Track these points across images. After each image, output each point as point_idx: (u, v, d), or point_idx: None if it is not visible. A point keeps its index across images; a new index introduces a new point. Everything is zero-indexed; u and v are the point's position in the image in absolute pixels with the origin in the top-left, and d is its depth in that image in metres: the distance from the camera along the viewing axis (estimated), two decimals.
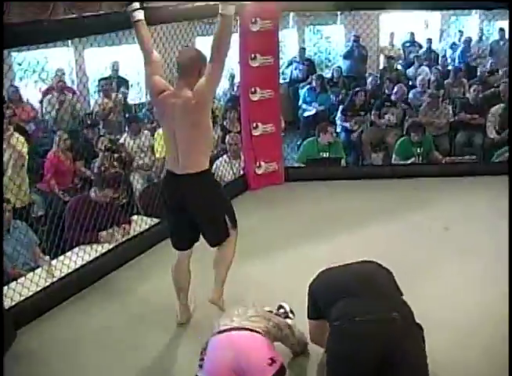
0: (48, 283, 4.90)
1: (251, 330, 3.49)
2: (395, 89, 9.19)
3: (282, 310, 4.16)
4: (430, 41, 12.51)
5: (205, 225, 4.35)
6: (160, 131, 6.80)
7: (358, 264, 3.77)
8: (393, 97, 9.11)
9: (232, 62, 7.54)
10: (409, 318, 3.37)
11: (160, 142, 7.15)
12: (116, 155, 7.00)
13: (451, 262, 5.37)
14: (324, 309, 3.55)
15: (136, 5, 4.52)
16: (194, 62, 4.12)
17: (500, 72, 10.67)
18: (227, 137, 7.50)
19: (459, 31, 13.03)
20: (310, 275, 4.20)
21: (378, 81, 10.16)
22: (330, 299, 3.50)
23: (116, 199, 5.90)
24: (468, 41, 12.41)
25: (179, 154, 4.15)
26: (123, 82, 9.82)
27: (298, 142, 8.93)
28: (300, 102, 10.22)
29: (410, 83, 10.28)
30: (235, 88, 9.44)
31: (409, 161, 7.97)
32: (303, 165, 7.89)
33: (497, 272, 5.20)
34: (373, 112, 8.97)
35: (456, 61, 12.04)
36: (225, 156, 7.36)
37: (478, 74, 10.59)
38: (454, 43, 12.73)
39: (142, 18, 4.47)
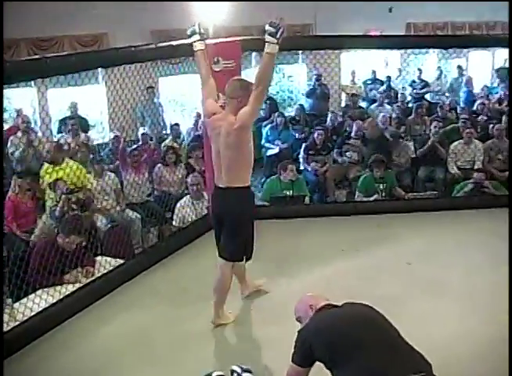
0: (10, 327, 4.80)
1: None
2: (354, 127, 9.27)
3: (235, 374, 4.21)
4: (389, 78, 12.75)
5: (223, 234, 4.90)
6: None
7: (350, 306, 3.65)
8: (353, 134, 9.19)
9: (197, 102, 7.58)
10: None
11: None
12: (74, 198, 6.97)
13: (415, 297, 5.41)
14: (332, 362, 3.35)
15: (197, 36, 5.06)
16: (235, 91, 4.69)
17: (459, 109, 10.90)
18: (188, 178, 7.51)
19: (418, 69, 13.29)
20: (273, 315, 4.22)
21: (340, 119, 10.29)
22: (339, 351, 3.32)
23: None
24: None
25: (223, 170, 4.74)
26: (83, 122, 9.79)
27: (262, 181, 8.96)
28: (263, 141, 10.28)
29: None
30: (199, 128, 9.48)
31: (372, 198, 8.04)
32: (267, 204, 7.89)
33: (462, 308, 5.28)
34: (335, 150, 9.07)
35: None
36: (188, 196, 7.36)
37: (438, 110, 10.78)
38: (413, 81, 12.98)
39: (203, 48, 4.95)
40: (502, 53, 14.51)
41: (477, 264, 6.16)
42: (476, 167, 8.59)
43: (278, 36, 4.42)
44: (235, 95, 4.69)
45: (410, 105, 11.41)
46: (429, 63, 14.25)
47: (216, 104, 4.94)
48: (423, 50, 12.56)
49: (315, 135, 9.12)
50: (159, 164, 8.21)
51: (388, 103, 11.51)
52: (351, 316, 3.53)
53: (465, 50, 12.29)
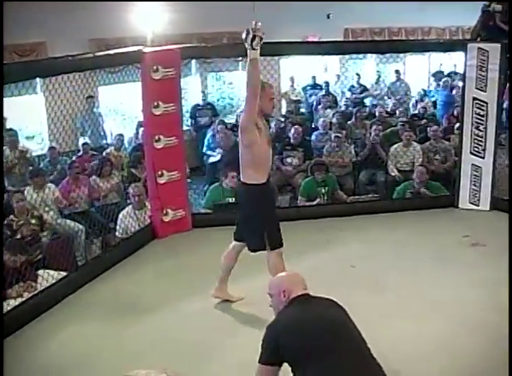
0: None
1: None
2: (292, 132, 9.30)
3: None
4: (327, 84, 12.88)
5: (243, 229, 5.33)
6: None
7: (320, 303, 3.56)
8: (292, 140, 9.24)
9: (138, 111, 7.55)
10: None
11: None
12: (35, 213, 6.87)
13: (359, 299, 5.47)
14: (298, 364, 3.25)
15: (247, 46, 4.88)
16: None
17: (398, 112, 11.08)
18: (130, 188, 7.46)
19: (357, 74, 13.46)
20: (220, 322, 4.22)
21: (282, 125, 10.35)
22: (307, 354, 3.24)
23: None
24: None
25: (240, 167, 5.13)
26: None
27: (205, 188, 8.95)
28: (204, 148, 10.27)
29: (313, 125, 10.52)
30: (139, 137, 9.42)
31: (314, 202, 8.11)
32: (210, 211, 7.89)
33: (405, 307, 5.38)
34: (276, 156, 9.11)
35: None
36: (130, 206, 7.31)
37: (377, 114, 10.93)
38: (352, 86, 13.14)
39: (258, 57, 4.85)
40: (437, 58, 14.81)
41: (419, 264, 6.29)
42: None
43: (249, 41, 4.66)
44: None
45: (350, 109, 11.54)
46: (367, 68, 14.45)
47: None
48: (361, 55, 12.75)
49: None
50: (93, 176, 8.13)
51: (329, 108, 11.63)
52: (323, 318, 3.41)
53: (402, 55, 12.47)
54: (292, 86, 13.27)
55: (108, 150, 9.25)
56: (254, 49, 4.72)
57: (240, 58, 11.21)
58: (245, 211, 5.27)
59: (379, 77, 13.83)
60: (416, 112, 11.44)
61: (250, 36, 4.69)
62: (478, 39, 8.00)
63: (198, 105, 11.66)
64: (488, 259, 6.40)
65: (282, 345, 3.28)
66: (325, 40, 10.64)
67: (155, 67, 6.78)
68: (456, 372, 4.47)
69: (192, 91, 12.31)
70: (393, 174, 8.82)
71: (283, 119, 11.16)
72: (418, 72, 15.34)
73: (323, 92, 12.62)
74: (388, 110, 11.56)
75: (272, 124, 10.31)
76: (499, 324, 5.04)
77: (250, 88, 4.81)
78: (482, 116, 7.71)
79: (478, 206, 7.93)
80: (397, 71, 13.68)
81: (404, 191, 8.29)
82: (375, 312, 5.28)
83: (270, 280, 3.71)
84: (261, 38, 4.75)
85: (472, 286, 5.82)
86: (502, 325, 4.93)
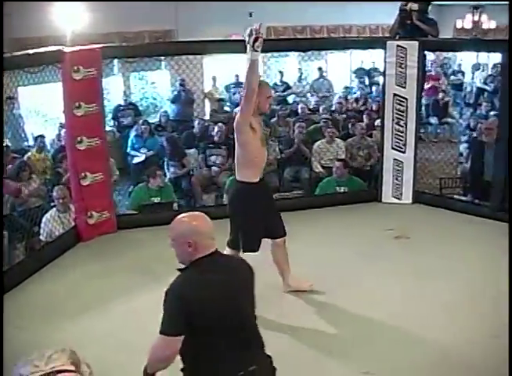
0: None
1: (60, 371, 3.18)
2: (215, 130, 9.32)
3: None
4: None
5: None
6: None
7: (229, 263, 3.29)
8: (216, 138, 9.24)
9: (59, 112, 7.41)
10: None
11: None
12: None
13: (280, 296, 5.54)
14: (198, 331, 2.95)
15: (248, 47, 4.90)
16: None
17: (321, 109, 11.19)
18: (54, 191, 7.31)
19: (280, 72, 13.53)
20: (149, 322, 4.16)
21: (206, 124, 10.33)
22: (207, 324, 2.96)
23: None
24: None
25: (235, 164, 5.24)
26: None
27: (130, 189, 8.86)
28: (128, 148, 10.17)
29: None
30: (62, 139, 9.24)
31: None
32: (135, 212, 7.82)
33: (331, 301, 5.46)
34: (200, 155, 9.10)
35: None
36: (54, 209, 7.17)
37: (300, 112, 11.02)
38: (275, 83, 13.20)
39: (258, 58, 4.91)
40: (358, 55, 15.04)
41: (343, 258, 6.39)
42: None
43: (251, 42, 4.69)
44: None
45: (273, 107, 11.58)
46: (290, 66, 14.56)
47: None
48: (284, 53, 12.82)
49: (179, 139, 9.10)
50: (7, 180, 7.91)
51: None
52: (233, 284, 3.09)
53: (324, 52, 12.62)
54: (214, 85, 13.26)
55: (29, 154, 9.03)
56: (256, 51, 4.75)
57: (162, 57, 11.19)
58: (231, 207, 5.34)
59: (301, 74, 13.94)
60: (335, 108, 11.56)
61: (253, 37, 4.70)
62: (397, 37, 8.20)
63: (120, 105, 11.51)
64: (411, 251, 6.56)
65: (195, 313, 2.93)
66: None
67: (76, 67, 6.67)
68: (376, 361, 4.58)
69: (114, 91, 12.17)
70: (317, 170, 8.93)
71: (207, 118, 11.17)
72: (340, 69, 15.54)
73: None
74: (311, 107, 11.67)
75: (195, 124, 10.30)
76: (421, 314, 5.20)
77: (248, 89, 4.86)
78: (402, 111, 7.88)
79: (401, 200, 8.10)
80: (319, 68, 13.83)
81: (327, 187, 8.38)
82: (302, 308, 5.37)
83: (173, 222, 3.15)
84: (264, 40, 4.80)
85: (396, 277, 5.96)
86: (425, 315, 5.11)
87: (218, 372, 3.02)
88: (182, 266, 3.10)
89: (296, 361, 4.49)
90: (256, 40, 4.71)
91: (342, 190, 8.31)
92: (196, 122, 10.31)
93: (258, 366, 3.08)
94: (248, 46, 4.76)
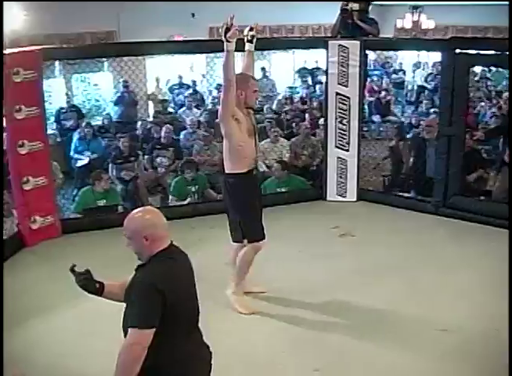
0: None
1: None
2: (163, 131, 9.26)
3: None
4: (194, 83, 12.89)
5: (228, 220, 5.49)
6: None
7: (183, 257, 3.26)
8: (162, 140, 9.19)
9: None
10: None
11: None
12: None
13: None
14: (166, 322, 2.93)
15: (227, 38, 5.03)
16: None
17: (264, 109, 11.21)
18: None
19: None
20: (93, 327, 4.13)
21: (148, 126, 10.26)
22: (176, 313, 2.97)
23: None
24: None
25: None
26: None
27: (74, 193, 8.74)
28: (71, 151, 10.02)
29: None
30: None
31: (185, 201, 8.10)
32: (80, 216, 7.73)
33: (276, 299, 5.51)
34: (145, 156, 9.04)
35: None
36: None
37: None
38: (219, 84, 13.16)
39: (233, 49, 4.93)
40: (301, 55, 15.12)
41: (289, 257, 6.42)
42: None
43: (223, 33, 4.80)
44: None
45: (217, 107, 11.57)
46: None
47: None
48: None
49: (120, 142, 8.99)
50: None
51: (196, 107, 11.63)
52: (190, 278, 3.20)
53: (266, 52, 12.66)
54: (158, 86, 13.18)
55: None
56: (228, 41, 4.82)
57: (104, 58, 11.07)
58: (225, 202, 5.42)
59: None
60: (277, 108, 11.59)
61: (224, 27, 4.81)
62: (338, 36, 8.27)
63: (62, 108, 11.35)
64: (357, 249, 6.64)
65: (169, 304, 2.92)
66: (190, 39, 10.65)
67: (15, 70, 6.56)
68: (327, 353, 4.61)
69: (56, 93, 11.98)
70: (261, 170, 8.92)
71: (150, 119, 11.10)
72: (283, 69, 15.61)
73: (190, 91, 12.60)
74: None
75: (138, 125, 10.22)
76: (368, 308, 5.29)
77: (225, 80, 4.93)
78: (345, 110, 7.97)
79: (345, 197, 8.19)
80: (263, 68, 13.86)
81: (269, 187, 8.42)
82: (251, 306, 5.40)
83: (126, 221, 3.12)
84: (240, 31, 5.01)
85: (342, 275, 6.02)
86: (374, 308, 5.22)
87: (181, 356, 3.01)
88: (141, 263, 3.12)
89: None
90: (228, 30, 4.80)
91: (283, 190, 8.36)
92: (138, 124, 10.23)
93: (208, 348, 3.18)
94: (222, 37, 4.84)
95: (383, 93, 13.45)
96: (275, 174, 8.34)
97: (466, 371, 4.50)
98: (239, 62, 5.40)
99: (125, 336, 2.95)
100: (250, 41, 5.59)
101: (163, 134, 9.17)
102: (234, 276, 5.51)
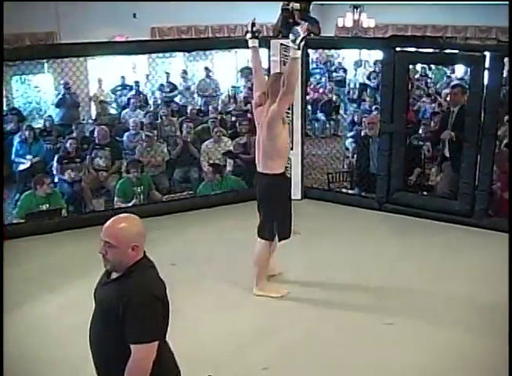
0: None
1: None
2: (96, 132, 9.10)
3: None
4: (137, 83, 12.78)
5: (260, 215, 5.65)
6: None
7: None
8: (98, 140, 9.00)
9: None
10: None
11: None
12: None
13: (180, 295, 5.51)
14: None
15: (249, 35, 5.73)
16: (276, 85, 5.31)
17: (210, 108, 11.15)
18: None
19: (166, 73, 13.44)
20: (44, 335, 4.09)
21: (90, 128, 10.13)
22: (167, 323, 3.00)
23: None
24: None
25: (260, 157, 5.44)
26: None
27: (16, 197, 8.57)
28: (13, 155, 9.83)
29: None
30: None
31: (131, 203, 8.03)
32: (22, 221, 7.58)
33: (227, 299, 5.53)
34: (87, 158, 8.91)
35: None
36: None
37: (189, 111, 10.99)
38: (162, 85, 13.12)
39: (257, 45, 5.63)
40: (244, 54, 15.13)
41: (236, 257, 6.45)
42: (228, 163, 8.89)
43: (298, 42, 5.05)
44: (275, 89, 5.28)
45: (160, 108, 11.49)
46: (176, 66, 14.48)
47: (263, 97, 5.50)
48: (169, 54, 12.76)
49: (68, 143, 8.84)
50: None
51: (140, 108, 11.54)
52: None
53: (209, 52, 12.67)
54: (100, 88, 13.04)
55: None
56: (299, 49, 5.10)
57: (45, 60, 10.90)
58: (265, 200, 5.56)
59: (187, 74, 13.90)
60: (221, 108, 11.57)
61: (301, 37, 5.06)
62: (280, 36, 8.30)
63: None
64: (303, 247, 6.68)
65: (166, 313, 2.97)
66: (132, 39, 10.58)
67: None
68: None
69: None
70: (205, 170, 8.91)
71: (91, 121, 10.98)
72: (226, 69, 15.60)
73: (133, 92, 12.50)
74: (198, 107, 11.67)
75: (80, 127, 10.06)
76: (317, 305, 5.34)
77: (291, 85, 5.16)
78: (289, 109, 7.98)
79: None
80: (206, 68, 13.84)
81: (205, 190, 8.43)
82: (199, 307, 5.39)
83: (113, 227, 2.99)
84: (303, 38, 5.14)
85: (289, 273, 6.06)
86: (324, 305, 5.34)
87: (167, 362, 3.02)
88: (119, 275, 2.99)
89: None
90: (302, 40, 5.08)
91: (218, 192, 8.35)
92: (77, 126, 10.05)
93: None
94: (293, 44, 5.09)
95: (326, 91, 13.60)
96: (208, 177, 8.33)
97: (401, 361, 4.57)
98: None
99: (98, 351, 2.95)
100: (256, 37, 5.83)
101: (96, 134, 9.02)
102: (256, 276, 5.71)
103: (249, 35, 5.83)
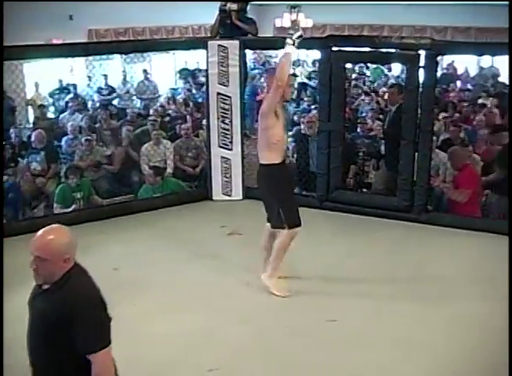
0: None
1: None
2: (32, 136, 8.87)
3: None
4: (75, 86, 12.61)
5: (265, 207, 5.76)
6: None
7: None
8: (34, 144, 8.78)
9: None
10: None
11: None
12: None
13: (126, 299, 5.49)
14: None
15: (290, 41, 5.52)
16: (270, 81, 5.52)
17: (151, 111, 11.06)
18: None
19: (104, 75, 13.29)
20: None
21: (28, 133, 9.93)
22: None
23: None
24: None
25: (258, 147, 5.65)
26: None
27: None
28: None
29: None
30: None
31: (70, 208, 7.91)
32: None
33: (172, 302, 5.53)
34: (24, 161, 8.73)
35: None
36: None
37: (129, 114, 10.92)
38: (100, 87, 12.98)
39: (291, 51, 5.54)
40: (182, 55, 15.08)
41: (180, 260, 6.43)
42: (168, 165, 8.85)
43: (295, 38, 5.41)
44: (271, 82, 5.49)
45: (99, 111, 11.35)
46: (114, 68, 14.34)
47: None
48: (106, 56, 12.64)
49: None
50: None
51: (78, 111, 11.38)
52: None
53: (147, 54, 12.57)
54: (37, 91, 12.82)
55: None
56: (294, 45, 5.44)
57: None
58: (263, 190, 5.72)
59: (125, 77, 13.79)
60: (156, 110, 11.45)
61: (299, 34, 5.43)
62: (218, 37, 8.32)
63: None
64: (245, 247, 6.69)
65: (109, 318, 2.94)
66: (69, 42, 10.44)
67: None
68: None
69: None
70: (145, 173, 8.84)
71: (30, 126, 10.79)
72: (165, 70, 15.52)
73: (71, 95, 12.32)
74: (137, 110, 11.58)
75: (13, 134, 9.84)
76: (261, 304, 5.38)
77: (280, 80, 5.37)
78: (227, 110, 8.03)
79: (231, 196, 8.25)
80: (144, 70, 13.76)
81: (145, 194, 8.37)
82: (142, 311, 5.36)
83: (42, 241, 2.93)
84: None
85: (231, 273, 6.08)
86: (266, 304, 5.45)
87: None
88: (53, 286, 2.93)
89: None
90: (299, 37, 5.43)
91: (159, 195, 8.30)
92: (13, 132, 9.83)
93: None
94: (289, 40, 5.43)
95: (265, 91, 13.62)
96: (149, 180, 8.29)
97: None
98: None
99: (37, 359, 2.92)
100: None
101: (33, 138, 8.83)
102: (271, 262, 5.72)
103: (290, 42, 5.61)
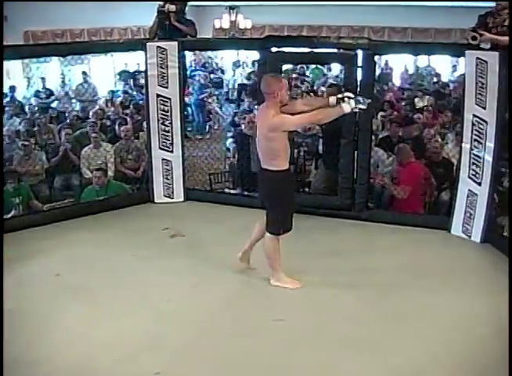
0: None
1: None
2: None
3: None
4: (13, 89, 12.41)
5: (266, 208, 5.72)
6: None
7: None
8: None
9: None
10: None
11: None
12: None
13: (68, 305, 5.44)
14: None
15: (352, 105, 5.39)
16: (270, 87, 5.42)
17: (91, 113, 10.94)
18: None
19: (41, 78, 13.09)
20: None
21: None
22: None
23: None
24: None
25: (261, 155, 5.55)
26: None
27: None
28: None
29: None
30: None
31: (10, 214, 7.78)
32: None
33: (119, 306, 5.50)
34: None
35: None
36: None
37: (68, 117, 10.80)
38: (38, 90, 12.80)
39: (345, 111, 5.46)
40: (122, 57, 14.99)
41: (123, 263, 6.40)
42: (109, 168, 8.80)
43: (353, 105, 5.34)
44: (270, 91, 5.37)
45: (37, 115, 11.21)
46: (52, 71, 14.15)
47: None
48: (43, 58, 12.47)
49: None
50: None
51: (16, 115, 11.21)
52: None
53: (85, 56, 12.47)
54: None
55: None
56: (349, 110, 5.37)
57: None
58: (271, 195, 5.62)
59: (63, 79, 13.63)
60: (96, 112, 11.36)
61: (363, 107, 5.38)
62: (156, 38, 8.30)
63: None
64: (188, 249, 6.70)
65: None
66: (4, 44, 10.26)
67: None
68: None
69: None
70: (87, 176, 8.77)
71: None
72: (104, 73, 15.40)
73: (8, 99, 12.12)
74: (76, 112, 11.47)
75: None
76: (206, 306, 5.42)
77: (319, 121, 5.75)
78: (167, 111, 8.00)
79: (173, 198, 8.23)
80: (84, 72, 13.63)
81: (88, 196, 8.30)
82: (84, 317, 5.31)
83: None
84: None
85: (176, 276, 6.09)
86: (213, 305, 5.42)
87: None
88: None
89: None
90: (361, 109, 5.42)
91: (102, 198, 8.21)
92: None
93: None
94: (349, 105, 5.34)
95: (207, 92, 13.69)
96: (98, 182, 8.21)
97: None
98: None
99: None
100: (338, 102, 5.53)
101: None
102: (270, 266, 5.80)
103: (352, 106, 5.45)
